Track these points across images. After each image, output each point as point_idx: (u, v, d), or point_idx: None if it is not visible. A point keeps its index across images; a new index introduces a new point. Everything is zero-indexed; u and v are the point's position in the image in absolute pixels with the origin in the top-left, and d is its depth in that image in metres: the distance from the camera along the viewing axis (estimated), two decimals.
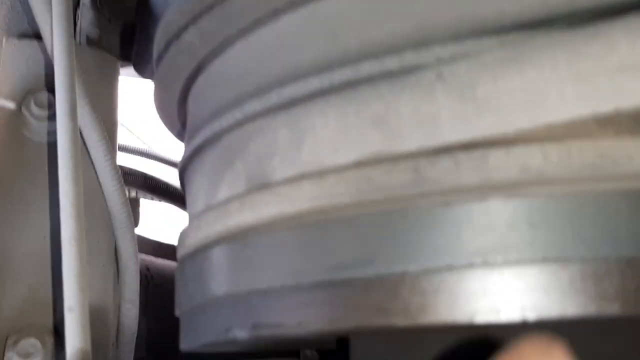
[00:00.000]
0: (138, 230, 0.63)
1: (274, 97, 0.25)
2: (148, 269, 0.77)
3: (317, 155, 0.23)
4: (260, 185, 0.25)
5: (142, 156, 0.91)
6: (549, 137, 0.20)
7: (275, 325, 0.23)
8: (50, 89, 0.49)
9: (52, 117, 0.49)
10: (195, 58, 0.29)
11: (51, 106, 0.49)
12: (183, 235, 0.30)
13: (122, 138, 0.93)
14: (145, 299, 0.60)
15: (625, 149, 0.20)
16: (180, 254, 0.30)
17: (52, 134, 0.49)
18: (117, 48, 0.56)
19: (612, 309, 0.19)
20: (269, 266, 0.23)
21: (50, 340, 0.45)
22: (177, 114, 0.35)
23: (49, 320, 0.45)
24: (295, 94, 0.24)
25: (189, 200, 0.32)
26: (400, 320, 0.20)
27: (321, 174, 0.23)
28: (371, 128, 0.22)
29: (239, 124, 0.26)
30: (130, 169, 0.85)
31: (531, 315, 0.20)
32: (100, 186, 0.52)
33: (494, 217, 0.20)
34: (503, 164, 0.20)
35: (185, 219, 0.36)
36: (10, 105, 0.50)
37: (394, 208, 0.21)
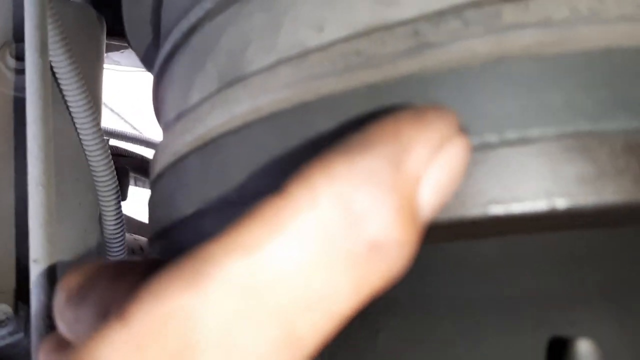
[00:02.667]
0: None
1: None
2: (142, 248, 0.74)
3: (298, 36, 0.19)
4: (233, 81, 0.21)
5: (136, 143, 0.89)
6: None
7: None
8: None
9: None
10: None
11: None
12: (153, 157, 0.26)
13: (115, 126, 0.90)
14: None
15: None
16: (151, 178, 0.26)
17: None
18: None
19: None
20: (243, 170, 0.19)
21: (23, 305, 0.41)
22: (151, 27, 0.31)
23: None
24: None
25: (161, 120, 0.28)
26: None
27: (301, 55, 0.19)
28: None
29: (209, 16, 0.22)
30: (127, 151, 0.83)
31: (561, 203, 0.16)
32: (82, 145, 0.49)
33: (512, 85, 0.16)
34: (520, 20, 0.16)
35: None
36: None
37: (390, 82, 0.17)
